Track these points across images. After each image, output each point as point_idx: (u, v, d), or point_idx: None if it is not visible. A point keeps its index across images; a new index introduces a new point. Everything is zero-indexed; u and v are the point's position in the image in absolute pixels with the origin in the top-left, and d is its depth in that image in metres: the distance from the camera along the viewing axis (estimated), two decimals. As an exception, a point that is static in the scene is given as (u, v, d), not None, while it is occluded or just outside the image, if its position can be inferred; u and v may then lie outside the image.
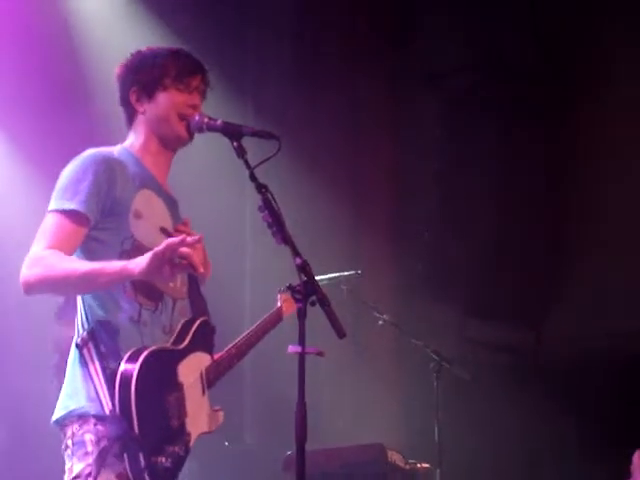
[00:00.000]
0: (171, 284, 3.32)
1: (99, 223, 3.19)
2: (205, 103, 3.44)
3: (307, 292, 2.95)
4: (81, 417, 3.11)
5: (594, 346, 7.11)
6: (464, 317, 7.72)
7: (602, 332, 7.10)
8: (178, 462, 3.13)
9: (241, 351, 3.59)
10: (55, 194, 3.20)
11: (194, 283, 3.44)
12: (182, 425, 3.18)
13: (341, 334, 2.98)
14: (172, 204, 3.46)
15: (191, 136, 3.37)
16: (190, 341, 3.29)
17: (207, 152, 4.94)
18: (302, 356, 2.90)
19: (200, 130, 3.30)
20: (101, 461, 3.05)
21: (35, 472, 5.98)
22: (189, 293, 3.42)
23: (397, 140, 7.90)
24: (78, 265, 3.08)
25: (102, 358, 3.10)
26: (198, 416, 3.28)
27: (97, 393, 3.07)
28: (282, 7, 7.94)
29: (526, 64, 7.73)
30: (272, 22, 7.95)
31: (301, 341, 2.91)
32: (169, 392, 3.15)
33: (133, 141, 3.41)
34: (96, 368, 3.09)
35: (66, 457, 3.16)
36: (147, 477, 3.01)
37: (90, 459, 3.06)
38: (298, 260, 2.98)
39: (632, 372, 6.85)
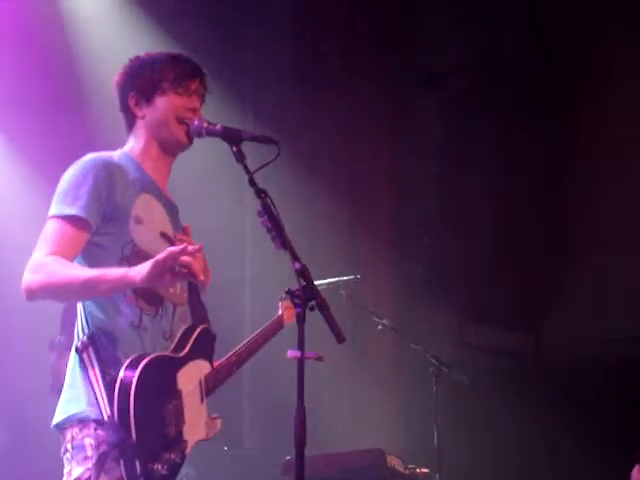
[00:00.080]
0: (171, 290, 3.33)
1: (100, 228, 3.19)
2: (205, 105, 3.45)
3: (306, 297, 2.95)
4: (81, 421, 3.12)
5: (594, 349, 7.11)
6: (463, 321, 7.72)
7: (602, 335, 7.09)
8: (174, 469, 3.14)
9: (241, 359, 3.61)
10: (55, 199, 3.21)
11: (194, 290, 3.44)
12: (179, 433, 3.19)
13: (340, 339, 2.98)
14: (172, 209, 3.46)
15: (190, 140, 3.37)
16: (190, 349, 3.30)
17: (206, 157, 4.94)
18: (301, 361, 2.90)
19: (199, 135, 3.31)
20: (100, 466, 3.06)
21: (35, 472, 5.99)
22: (189, 300, 3.42)
23: (397, 141, 7.89)
24: (79, 272, 3.09)
25: (102, 363, 3.10)
26: (196, 424, 3.29)
27: (96, 398, 3.08)
28: (282, 7, 7.94)
29: (526, 64, 7.71)
30: (272, 23, 7.95)
31: (300, 346, 2.91)
32: (168, 400, 3.16)
33: (133, 146, 3.42)
34: (96, 373, 3.10)
35: (65, 461, 3.17)
36: (143, 484, 3.02)
37: (89, 463, 3.08)
38: (297, 265, 2.98)
39: (632, 375, 6.84)
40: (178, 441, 3.17)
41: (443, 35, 7.80)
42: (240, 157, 3.14)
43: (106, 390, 3.05)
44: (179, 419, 3.18)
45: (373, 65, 7.90)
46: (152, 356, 3.12)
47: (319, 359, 2.97)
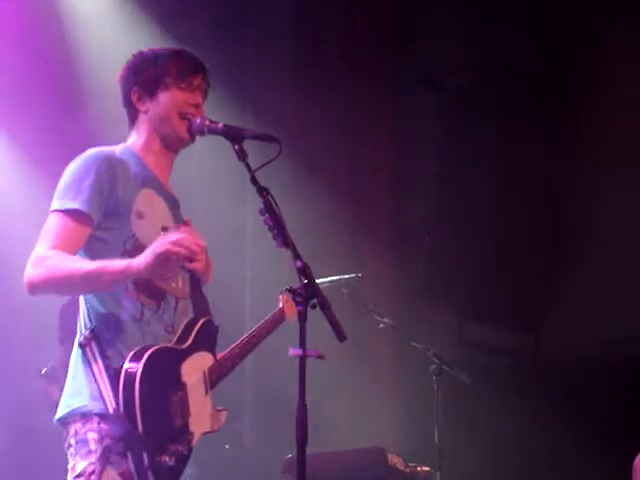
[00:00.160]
0: (173, 284, 3.34)
1: (102, 223, 3.20)
2: (206, 104, 3.45)
3: (308, 295, 2.96)
4: (84, 415, 3.12)
5: (594, 349, 7.11)
6: (464, 320, 7.73)
7: (602, 335, 7.10)
8: (181, 461, 3.15)
9: (244, 351, 3.60)
10: (57, 193, 3.21)
11: (196, 284, 3.45)
12: (185, 424, 3.19)
13: (341, 337, 2.98)
14: (173, 204, 3.47)
15: (192, 137, 3.38)
16: (193, 341, 3.30)
17: (208, 155, 4.95)
18: (303, 359, 2.90)
19: (201, 133, 3.31)
20: (105, 459, 3.07)
21: (35, 472, 5.99)
22: (191, 293, 3.43)
23: (397, 141, 7.90)
24: (81, 265, 3.10)
25: (105, 357, 3.11)
26: (201, 416, 3.29)
27: (100, 392, 3.08)
28: (282, 7, 7.94)
29: (526, 64, 7.73)
30: (272, 22, 7.95)
31: (302, 344, 2.92)
32: (173, 391, 3.16)
33: (135, 140, 3.42)
34: (99, 367, 3.11)
35: (69, 455, 3.17)
36: (151, 476, 3.02)
37: (93, 457, 3.08)
38: (299, 263, 2.99)
39: (632, 375, 6.84)
40: (184, 433, 3.18)
41: (443, 35, 7.81)
42: (242, 155, 3.15)
43: (110, 383, 3.06)
44: (185, 411, 3.19)
45: (373, 65, 7.91)
46: (156, 348, 3.13)
47: (320, 357, 2.96)
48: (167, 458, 3.07)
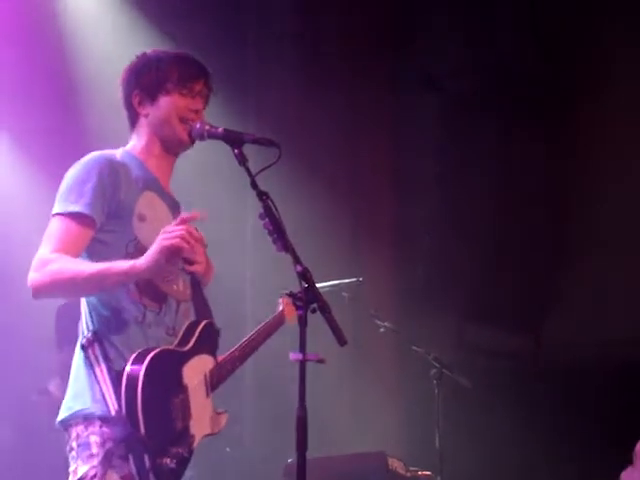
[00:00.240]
0: (175, 286, 3.36)
1: (104, 225, 3.21)
2: (207, 105, 3.46)
3: (308, 299, 2.96)
4: (86, 418, 3.13)
5: (594, 350, 7.11)
6: (464, 322, 7.73)
7: (602, 336, 7.10)
8: (182, 463, 3.16)
9: (244, 354, 3.62)
10: (59, 197, 3.22)
11: (197, 286, 3.46)
12: (186, 427, 3.21)
13: (342, 341, 2.99)
14: (175, 207, 3.48)
15: (192, 141, 3.39)
16: (195, 343, 3.32)
17: (208, 159, 4.95)
18: (303, 363, 2.91)
19: (201, 137, 3.32)
20: (107, 463, 3.08)
21: (39, 471, 5.99)
22: (192, 296, 3.44)
23: (397, 141, 7.90)
24: (85, 267, 3.11)
25: (107, 359, 3.13)
26: (202, 418, 3.31)
27: (102, 394, 3.10)
28: (282, 7, 7.93)
29: (526, 64, 7.72)
30: (272, 23, 7.94)
31: (302, 348, 2.92)
32: (174, 394, 3.18)
33: (135, 144, 3.43)
34: (101, 369, 3.12)
35: (70, 459, 3.18)
36: (152, 478, 3.04)
37: (95, 461, 3.09)
38: (299, 267, 2.99)
39: (632, 376, 6.84)
40: (185, 435, 3.19)
41: (443, 35, 7.80)
42: (242, 160, 3.16)
43: (112, 385, 3.07)
44: (186, 413, 3.20)
45: (373, 65, 7.90)
46: (158, 350, 3.15)
47: (321, 361, 2.97)
48: (168, 461, 3.08)
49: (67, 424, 3.18)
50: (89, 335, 3.18)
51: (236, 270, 7.14)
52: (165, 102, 3.36)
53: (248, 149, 3.20)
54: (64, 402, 3.22)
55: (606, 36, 7.29)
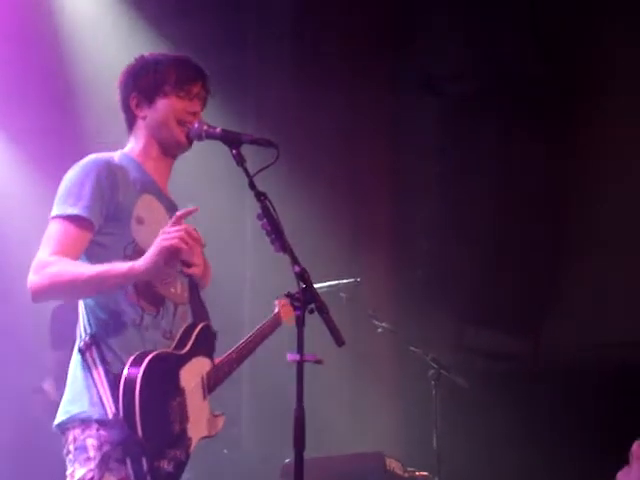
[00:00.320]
0: (172, 289, 3.36)
1: (102, 228, 3.22)
2: (207, 103, 3.46)
3: (306, 300, 2.97)
4: (84, 422, 3.14)
5: (593, 352, 7.10)
6: (462, 324, 7.72)
7: (602, 338, 7.09)
8: (179, 466, 3.17)
9: (241, 356, 3.64)
10: (58, 199, 3.22)
11: (195, 289, 3.46)
12: (184, 430, 3.21)
13: (340, 342, 2.99)
14: (172, 209, 3.46)
15: (190, 142, 3.39)
16: (192, 346, 3.32)
17: (207, 160, 4.94)
18: (301, 364, 2.91)
19: (199, 138, 3.32)
20: (104, 466, 3.08)
21: (41, 471, 5.99)
22: (190, 299, 3.44)
23: (397, 141, 7.89)
24: (84, 269, 3.11)
25: (105, 362, 3.13)
26: (199, 421, 3.31)
27: (100, 397, 3.10)
28: (282, 7, 7.93)
29: (526, 64, 7.72)
30: (272, 23, 7.94)
31: (300, 349, 2.92)
32: (172, 397, 3.19)
33: (133, 146, 3.44)
34: (99, 372, 3.13)
35: (68, 462, 3.18)
36: (150, 481, 3.03)
37: (92, 464, 3.09)
38: (297, 268, 2.99)
39: (631, 378, 6.83)
40: (183, 438, 3.20)
41: (443, 35, 7.80)
42: (240, 160, 3.16)
43: (110, 388, 3.08)
44: (183, 416, 3.21)
45: (373, 65, 7.89)
46: (155, 353, 3.15)
47: (318, 362, 2.97)
48: (165, 464, 3.09)
49: (64, 427, 3.19)
50: (87, 338, 3.18)
51: (234, 271, 7.14)
52: (163, 105, 3.37)
53: (246, 149, 3.19)
54: (61, 405, 3.22)
55: (606, 36, 7.28)
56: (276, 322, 4.02)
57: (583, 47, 7.43)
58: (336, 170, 7.74)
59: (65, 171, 3.30)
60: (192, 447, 3.25)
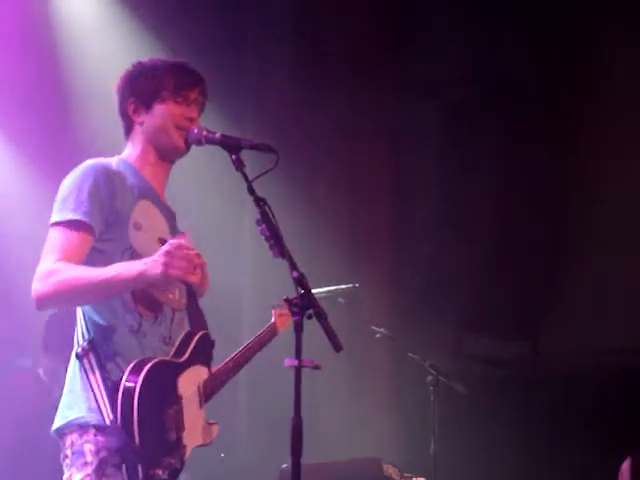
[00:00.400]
0: (170, 295, 3.35)
1: (102, 234, 3.20)
2: (206, 106, 3.46)
3: (304, 305, 2.96)
4: (81, 427, 3.13)
5: (592, 357, 7.10)
6: (461, 330, 7.72)
7: (601, 343, 7.08)
8: (174, 474, 3.17)
9: (238, 365, 3.65)
10: (57, 205, 3.21)
11: (192, 296, 3.45)
12: (179, 438, 3.21)
13: (338, 347, 2.98)
14: (170, 215, 3.48)
15: (188, 147, 3.38)
16: (190, 354, 3.32)
17: (206, 164, 4.94)
18: (298, 369, 2.91)
19: (199, 143, 3.32)
20: (100, 471, 3.08)
21: (40, 473, 6.00)
22: (187, 306, 3.44)
23: (397, 142, 7.89)
24: (90, 273, 3.08)
25: (102, 369, 3.12)
26: (194, 429, 3.31)
27: (98, 403, 3.09)
28: (282, 7, 7.93)
29: (526, 64, 7.72)
30: (272, 23, 7.94)
31: (297, 354, 2.92)
32: (169, 405, 3.18)
33: (131, 152, 3.43)
34: (97, 378, 3.12)
35: (65, 466, 3.18)
36: (145, 489, 3.05)
37: (89, 469, 3.09)
38: (295, 273, 2.99)
39: (630, 384, 6.83)
40: (178, 446, 3.20)
41: (443, 35, 7.80)
42: (239, 165, 3.15)
43: (108, 395, 3.07)
44: (179, 424, 3.21)
45: (373, 65, 7.90)
46: (154, 361, 3.15)
47: (316, 367, 2.97)
48: (161, 471, 3.09)
49: (62, 432, 3.18)
50: (84, 344, 3.17)
51: (233, 279, 7.12)
52: (160, 110, 3.36)
53: (246, 154, 3.19)
54: (59, 410, 3.22)
55: (606, 36, 7.28)
56: (272, 332, 4.04)
57: (583, 47, 7.43)
58: (336, 170, 7.74)
59: (64, 171, 3.29)
60: (187, 455, 3.25)
